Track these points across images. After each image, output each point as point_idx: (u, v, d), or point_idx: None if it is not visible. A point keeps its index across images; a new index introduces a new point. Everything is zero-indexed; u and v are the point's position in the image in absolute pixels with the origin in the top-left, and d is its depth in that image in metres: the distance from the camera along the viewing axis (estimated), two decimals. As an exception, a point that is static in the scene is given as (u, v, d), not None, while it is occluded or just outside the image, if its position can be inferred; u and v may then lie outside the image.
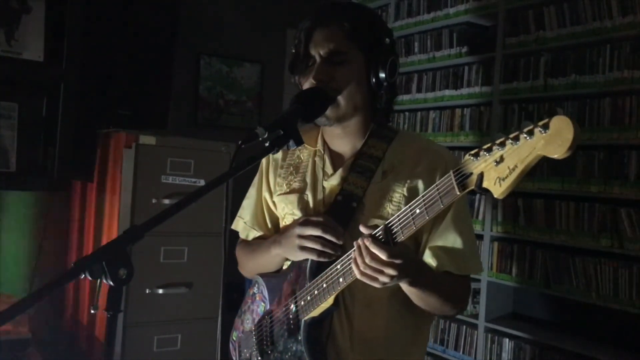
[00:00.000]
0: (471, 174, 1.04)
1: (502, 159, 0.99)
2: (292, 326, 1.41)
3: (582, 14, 2.64)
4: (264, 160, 1.62)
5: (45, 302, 2.90)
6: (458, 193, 1.06)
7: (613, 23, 2.53)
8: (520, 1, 2.90)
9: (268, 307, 1.51)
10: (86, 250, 3.17)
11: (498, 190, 0.99)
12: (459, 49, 3.20)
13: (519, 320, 2.96)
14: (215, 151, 2.95)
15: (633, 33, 2.46)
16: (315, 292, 1.35)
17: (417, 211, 1.14)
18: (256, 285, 1.58)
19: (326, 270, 1.33)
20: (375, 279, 1.19)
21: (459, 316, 3.02)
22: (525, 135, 0.95)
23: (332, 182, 1.46)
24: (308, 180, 1.50)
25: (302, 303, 1.38)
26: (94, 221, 3.14)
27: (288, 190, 1.52)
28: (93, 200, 3.19)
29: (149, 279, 2.76)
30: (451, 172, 1.07)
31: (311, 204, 1.47)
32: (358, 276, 1.21)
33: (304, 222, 1.39)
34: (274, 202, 1.58)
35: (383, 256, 1.16)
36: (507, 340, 2.84)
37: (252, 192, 1.65)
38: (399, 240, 1.18)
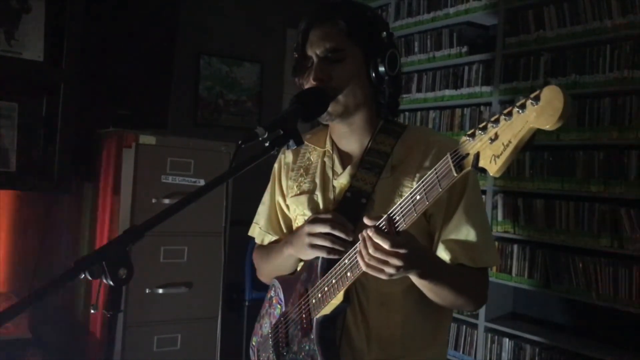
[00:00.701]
0: (467, 154, 1.02)
1: (496, 136, 0.97)
2: (305, 325, 1.40)
3: (582, 14, 2.64)
4: (276, 165, 1.63)
5: (45, 301, 2.90)
6: (455, 174, 1.04)
7: (613, 23, 2.53)
8: (520, 1, 2.90)
9: (284, 309, 1.50)
10: (86, 250, 3.17)
11: (493, 168, 0.98)
12: (459, 49, 3.20)
13: (519, 320, 2.97)
14: (215, 151, 2.95)
15: (633, 33, 2.46)
16: (326, 288, 1.34)
17: (417, 197, 1.12)
18: (273, 288, 1.58)
19: (335, 266, 1.32)
20: (381, 270, 1.17)
21: (459, 316, 3.03)
22: (517, 110, 0.94)
23: (341, 180, 1.45)
24: (318, 180, 1.50)
25: (314, 301, 1.38)
26: (94, 221, 3.14)
27: (299, 192, 1.52)
28: (93, 200, 3.18)
29: (148, 279, 2.76)
30: (448, 155, 1.06)
31: (321, 204, 1.47)
32: (364, 268, 1.19)
33: (312, 220, 1.39)
34: (287, 205, 1.58)
35: (386, 245, 1.14)
36: (506, 340, 2.84)
37: (266, 197, 1.65)
38: (401, 229, 1.16)
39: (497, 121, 0.97)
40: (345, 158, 1.49)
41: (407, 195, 1.15)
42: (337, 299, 1.32)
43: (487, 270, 1.43)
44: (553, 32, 2.74)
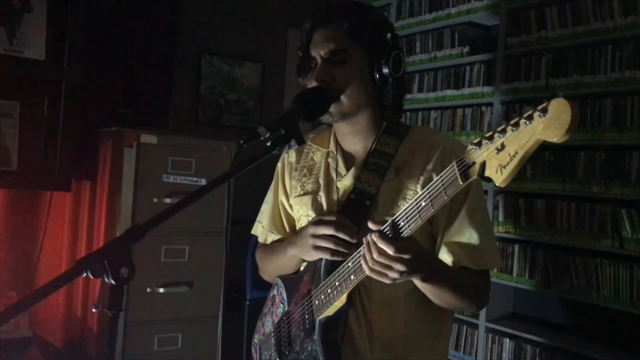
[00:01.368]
0: (473, 163, 1.03)
1: (503, 146, 0.98)
2: (307, 326, 1.41)
3: (583, 14, 2.64)
4: (279, 164, 1.64)
5: (46, 300, 2.89)
6: (461, 183, 1.05)
7: (615, 23, 2.52)
8: (522, 1, 2.90)
9: (287, 308, 1.51)
10: (87, 249, 3.17)
11: (499, 178, 0.98)
12: (461, 49, 3.20)
13: (520, 320, 2.96)
14: (216, 150, 2.95)
15: (635, 33, 2.46)
16: (329, 290, 1.34)
17: (423, 204, 1.12)
18: (276, 287, 1.58)
19: (338, 269, 1.32)
20: (385, 275, 1.18)
21: (459, 316, 3.03)
22: (525, 121, 0.94)
23: (345, 182, 1.45)
24: (321, 181, 1.50)
25: (317, 302, 1.38)
26: (95, 220, 3.14)
27: (302, 192, 1.52)
28: (94, 200, 3.18)
29: (149, 278, 2.76)
30: (454, 163, 1.06)
31: (325, 205, 1.47)
32: (367, 272, 1.20)
33: (317, 222, 1.39)
34: (290, 205, 1.58)
35: (390, 251, 1.15)
36: (507, 340, 2.84)
37: (269, 197, 1.65)
38: (405, 235, 1.17)
39: (503, 131, 0.98)
40: (349, 159, 1.49)
41: (412, 201, 1.15)
42: (340, 301, 1.33)
43: (489, 272, 1.44)
44: (555, 33, 2.74)
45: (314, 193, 1.49)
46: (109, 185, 3.00)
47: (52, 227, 3.11)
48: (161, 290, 2.78)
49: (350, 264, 1.29)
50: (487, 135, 1.00)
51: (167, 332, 2.82)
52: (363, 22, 1.40)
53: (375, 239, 1.17)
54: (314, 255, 1.40)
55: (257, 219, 1.67)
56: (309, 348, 1.39)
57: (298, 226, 1.56)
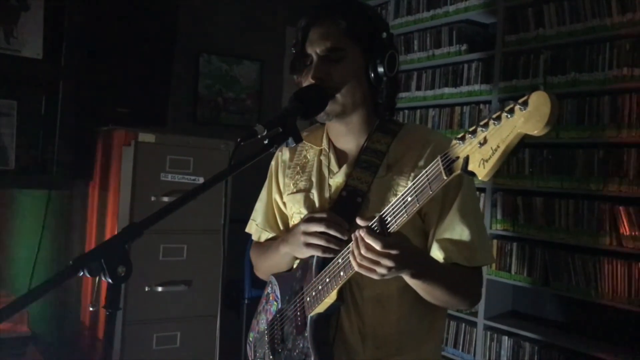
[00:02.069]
0: (457, 158, 1.03)
1: (485, 140, 0.98)
2: (299, 323, 1.41)
3: (581, 12, 2.64)
4: (273, 162, 1.64)
5: (44, 299, 2.89)
6: (445, 177, 1.05)
7: (612, 21, 2.52)
8: (520, -1, 2.90)
9: (280, 306, 1.51)
10: (85, 248, 3.17)
11: (482, 172, 0.98)
12: (459, 47, 3.19)
13: (518, 318, 2.97)
14: (214, 149, 2.95)
15: (632, 31, 2.46)
16: (320, 287, 1.35)
17: (409, 199, 1.13)
18: (270, 285, 1.59)
19: (329, 265, 1.33)
20: (373, 271, 1.19)
21: (458, 314, 3.03)
22: (506, 114, 0.94)
23: (337, 179, 1.46)
24: (314, 179, 1.50)
25: (308, 299, 1.39)
26: (93, 219, 3.14)
27: (295, 190, 1.53)
28: (92, 198, 3.18)
29: (148, 277, 2.76)
30: (438, 158, 1.07)
31: (317, 202, 1.47)
32: (356, 268, 1.21)
33: (308, 219, 1.40)
34: (284, 203, 1.59)
35: (377, 246, 1.15)
36: (506, 338, 2.84)
37: (263, 195, 1.66)
38: (392, 230, 1.17)
39: (486, 125, 0.98)
40: (341, 156, 1.49)
41: (398, 196, 1.16)
42: (331, 297, 1.33)
43: (481, 269, 1.44)
44: (553, 30, 2.74)
45: (307, 190, 1.50)
46: (107, 184, 3.00)
47: (50, 226, 3.10)
48: (159, 289, 2.78)
49: (339, 260, 1.29)
50: (471, 129, 1.00)
51: (166, 330, 2.82)
52: (360, 21, 1.41)
53: (362, 235, 1.18)
54: (305, 253, 1.40)
55: (251, 217, 1.68)
56: (301, 345, 1.39)
57: (291, 224, 1.56)
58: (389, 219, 1.17)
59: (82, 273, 0.91)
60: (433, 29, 3.35)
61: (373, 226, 1.19)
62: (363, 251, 1.17)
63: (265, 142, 1.19)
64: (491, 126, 0.97)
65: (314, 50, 1.39)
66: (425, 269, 1.28)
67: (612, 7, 2.52)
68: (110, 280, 0.92)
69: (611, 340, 2.60)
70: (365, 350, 1.41)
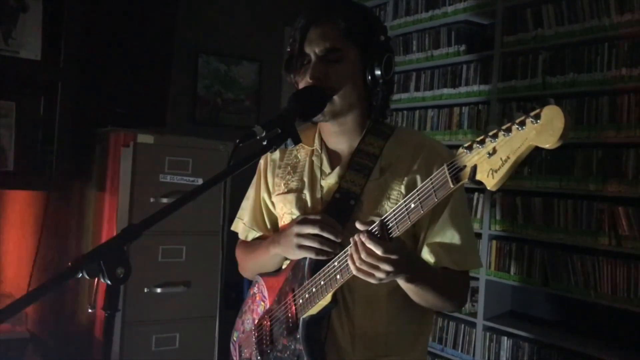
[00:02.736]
0: (464, 166, 1.04)
1: (494, 150, 0.99)
2: (290, 325, 1.41)
3: (580, 12, 2.64)
4: (262, 161, 1.62)
5: (43, 301, 2.89)
6: (452, 186, 1.06)
7: (611, 21, 2.53)
8: (518, -1, 2.90)
9: (268, 306, 1.51)
10: (84, 249, 3.17)
11: (491, 182, 1.00)
12: (457, 48, 3.19)
13: (518, 318, 2.97)
14: (213, 150, 2.95)
15: (631, 31, 2.46)
16: (314, 289, 1.35)
17: (412, 206, 1.14)
18: (256, 285, 1.58)
19: (324, 268, 1.33)
20: (371, 275, 1.19)
21: (457, 314, 3.03)
22: (517, 126, 0.96)
23: (329, 180, 1.45)
24: (306, 179, 1.49)
25: (301, 301, 1.38)
26: (92, 220, 3.14)
27: (286, 190, 1.52)
28: (91, 199, 3.18)
29: (147, 278, 2.76)
30: (445, 166, 1.07)
31: (309, 203, 1.47)
32: (354, 272, 1.21)
33: (301, 221, 1.39)
34: (272, 203, 1.58)
35: (378, 251, 1.16)
36: (505, 338, 2.84)
37: (250, 193, 1.65)
38: (394, 236, 1.18)
39: (495, 136, 0.99)
40: (333, 158, 1.49)
41: (400, 202, 1.17)
42: (325, 300, 1.33)
43: (468, 273, 1.46)
44: (551, 31, 2.74)
45: (298, 191, 1.49)
46: (105, 185, 3.00)
47: (49, 227, 3.10)
48: (158, 290, 2.78)
49: (336, 263, 1.29)
50: (479, 139, 1.02)
51: (165, 332, 2.82)
52: (359, 22, 1.41)
53: (363, 239, 1.18)
54: (298, 254, 1.40)
55: (238, 215, 1.66)
56: (293, 347, 1.39)
57: (281, 224, 1.55)
58: (391, 225, 1.18)
59: (81, 274, 0.91)
60: (432, 30, 3.35)
61: (374, 231, 1.19)
62: (363, 255, 1.18)
63: (264, 143, 1.19)
64: (501, 137, 0.98)
65: (313, 50, 1.38)
66: (420, 274, 1.29)
67: (610, 8, 2.52)
68: (109, 282, 0.92)
69: (610, 341, 2.60)
70: (355, 351, 1.41)
